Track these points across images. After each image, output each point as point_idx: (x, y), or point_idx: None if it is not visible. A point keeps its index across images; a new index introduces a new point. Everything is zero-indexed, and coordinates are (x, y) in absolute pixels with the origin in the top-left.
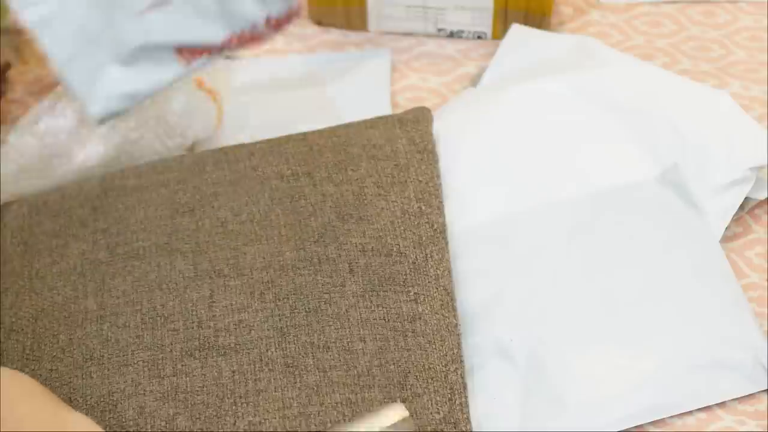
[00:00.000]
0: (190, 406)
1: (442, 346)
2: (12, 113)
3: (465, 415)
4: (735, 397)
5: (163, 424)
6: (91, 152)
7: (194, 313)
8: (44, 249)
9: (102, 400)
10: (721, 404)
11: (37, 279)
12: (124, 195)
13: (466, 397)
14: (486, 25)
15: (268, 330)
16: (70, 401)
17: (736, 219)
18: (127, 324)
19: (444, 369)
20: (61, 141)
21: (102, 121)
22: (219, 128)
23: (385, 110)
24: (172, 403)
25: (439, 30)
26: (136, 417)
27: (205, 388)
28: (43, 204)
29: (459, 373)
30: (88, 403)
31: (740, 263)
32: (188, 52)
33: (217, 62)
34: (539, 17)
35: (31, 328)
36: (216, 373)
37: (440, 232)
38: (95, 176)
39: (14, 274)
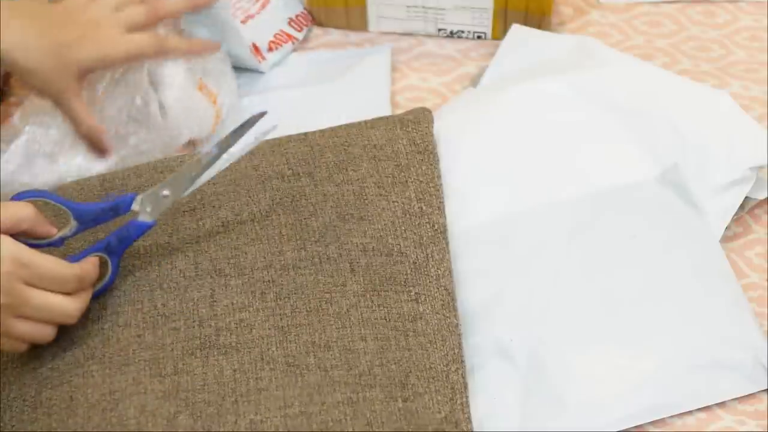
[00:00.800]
0: (191, 404)
1: (443, 345)
2: (13, 115)
3: (466, 415)
4: (735, 397)
5: (164, 422)
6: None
7: (195, 312)
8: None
9: (103, 398)
10: (721, 404)
11: None
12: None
13: (467, 396)
14: (486, 26)
15: (269, 329)
16: (71, 399)
17: (736, 219)
18: (128, 323)
19: (445, 369)
20: (45, 153)
21: None
22: (214, 132)
23: (385, 106)
24: (174, 401)
25: (439, 30)
26: (138, 415)
27: (206, 387)
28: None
29: (460, 372)
30: (89, 401)
31: (740, 263)
32: None
33: (223, 65)
34: (539, 17)
35: None
36: (217, 372)
37: (441, 232)
38: (95, 176)
39: None
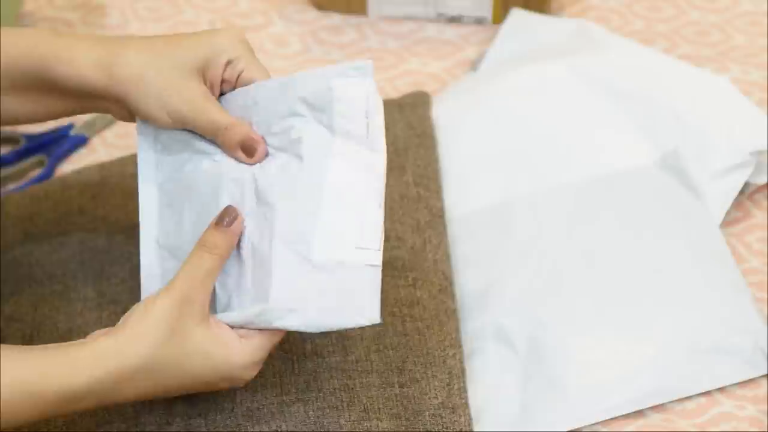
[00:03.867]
0: None
1: (440, 330)
2: None
3: (463, 400)
4: (735, 381)
5: (161, 409)
6: None
7: None
8: (44, 238)
9: None
10: (721, 389)
11: (37, 267)
12: (123, 182)
13: (464, 381)
14: (486, 10)
15: None
16: None
17: (736, 204)
18: (126, 309)
19: (442, 354)
20: None
21: None
22: None
23: None
24: None
25: (440, 14)
26: (135, 403)
27: None
28: (44, 194)
29: (457, 357)
30: None
31: (740, 248)
32: None
33: None
34: (539, 2)
35: (30, 316)
36: None
37: (439, 217)
38: (94, 165)
39: (14, 263)
